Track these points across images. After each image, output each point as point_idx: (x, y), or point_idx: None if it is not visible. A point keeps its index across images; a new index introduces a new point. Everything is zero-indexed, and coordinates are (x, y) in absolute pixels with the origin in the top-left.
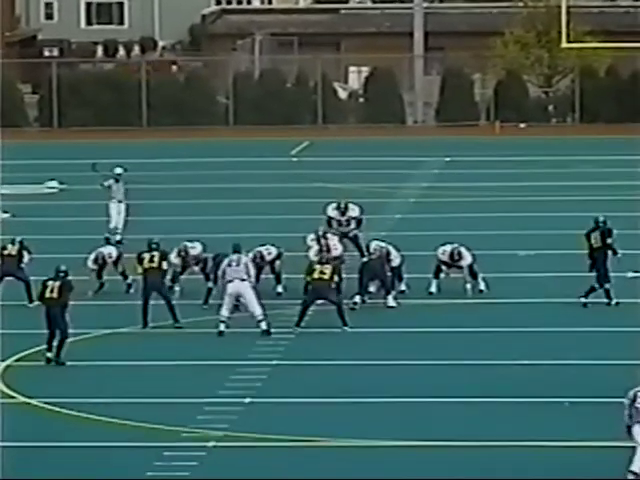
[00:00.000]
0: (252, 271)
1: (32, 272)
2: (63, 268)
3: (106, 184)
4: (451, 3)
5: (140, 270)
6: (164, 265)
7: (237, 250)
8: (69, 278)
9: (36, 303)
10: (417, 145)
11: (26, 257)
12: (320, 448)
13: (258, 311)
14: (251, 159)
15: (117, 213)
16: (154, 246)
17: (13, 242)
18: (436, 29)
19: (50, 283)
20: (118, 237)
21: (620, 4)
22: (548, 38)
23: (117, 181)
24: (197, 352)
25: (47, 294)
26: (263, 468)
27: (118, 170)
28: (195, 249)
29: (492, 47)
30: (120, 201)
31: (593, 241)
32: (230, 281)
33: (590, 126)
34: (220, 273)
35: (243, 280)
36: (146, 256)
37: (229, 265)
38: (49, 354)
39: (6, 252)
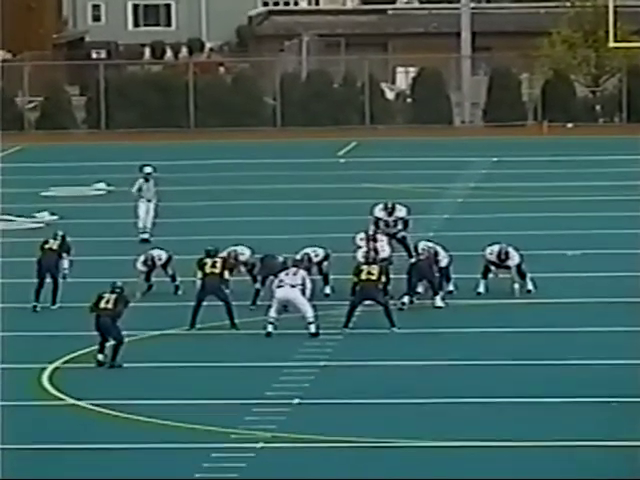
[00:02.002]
0: (309, 285)
1: (78, 274)
2: (119, 284)
3: (136, 185)
4: (498, 3)
5: (200, 275)
6: (226, 274)
7: (296, 265)
8: (125, 294)
9: (58, 305)
10: (465, 145)
11: (66, 263)
12: (368, 449)
13: (309, 313)
14: (298, 160)
15: (145, 212)
16: (212, 253)
17: (55, 236)
18: (483, 29)
19: (106, 295)
20: (146, 236)
21: None
22: (595, 38)
23: (147, 180)
24: (245, 353)
25: (102, 304)
26: (311, 469)
27: (147, 169)
28: (244, 255)
29: (539, 47)
30: (149, 200)
31: None
32: (280, 286)
33: (637, 125)
34: (276, 282)
35: (293, 286)
36: (208, 261)
37: (286, 274)
38: (100, 356)
39: (47, 246)
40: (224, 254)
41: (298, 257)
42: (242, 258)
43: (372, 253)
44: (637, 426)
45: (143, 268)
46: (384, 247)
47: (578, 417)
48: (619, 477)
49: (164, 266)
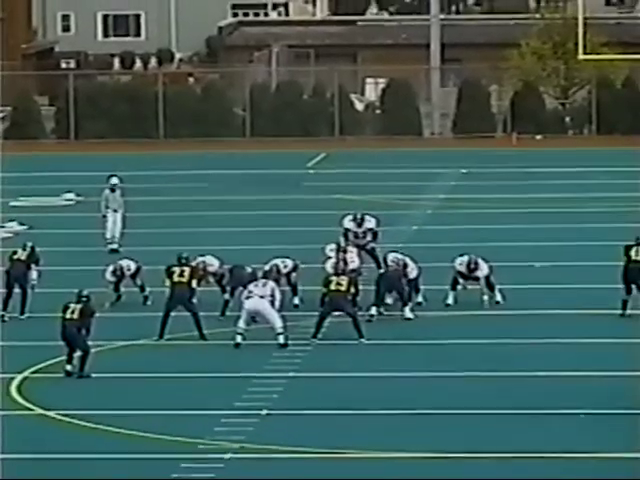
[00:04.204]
0: (278, 296)
1: (47, 284)
2: (85, 293)
3: (103, 196)
4: (468, 15)
5: (168, 283)
6: (193, 283)
7: (265, 276)
8: (91, 303)
9: (27, 315)
10: (434, 157)
11: (34, 274)
12: (336, 460)
13: (278, 324)
14: (268, 171)
15: (113, 223)
16: (184, 260)
17: (24, 247)
18: (453, 41)
19: (72, 305)
20: (114, 246)
21: (637, 15)
22: (565, 49)
23: (113, 191)
24: (214, 364)
25: (67, 315)
26: None
27: (114, 180)
28: (213, 265)
29: (509, 59)
30: (116, 210)
31: (633, 254)
32: (249, 297)
33: (607, 137)
34: (245, 293)
35: (262, 297)
36: (176, 270)
37: (255, 285)
38: (68, 367)
39: (16, 257)
40: (193, 264)
41: (267, 268)
42: (211, 269)
43: (341, 264)
44: (608, 437)
45: (112, 278)
46: (353, 258)
47: (546, 428)
48: None
49: (133, 276)
